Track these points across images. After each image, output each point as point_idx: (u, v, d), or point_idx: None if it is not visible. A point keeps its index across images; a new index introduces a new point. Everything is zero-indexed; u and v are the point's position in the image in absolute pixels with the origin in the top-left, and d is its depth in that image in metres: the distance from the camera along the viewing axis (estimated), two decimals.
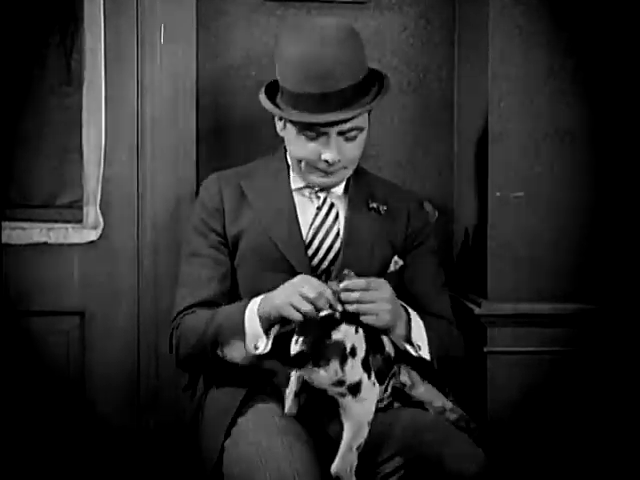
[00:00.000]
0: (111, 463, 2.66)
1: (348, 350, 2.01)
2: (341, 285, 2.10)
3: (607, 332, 2.51)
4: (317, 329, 2.02)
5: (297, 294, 2.09)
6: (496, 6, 2.49)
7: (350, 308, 2.08)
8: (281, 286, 2.15)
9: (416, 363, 2.23)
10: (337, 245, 2.29)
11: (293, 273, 2.21)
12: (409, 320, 2.21)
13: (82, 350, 2.65)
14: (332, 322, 2.03)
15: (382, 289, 2.13)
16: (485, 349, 2.50)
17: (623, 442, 2.52)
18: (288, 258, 2.26)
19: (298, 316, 2.08)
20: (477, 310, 2.51)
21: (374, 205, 2.35)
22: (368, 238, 2.31)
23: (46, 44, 2.63)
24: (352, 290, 2.09)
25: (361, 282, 2.10)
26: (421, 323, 2.23)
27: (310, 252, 2.28)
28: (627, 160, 2.54)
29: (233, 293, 2.30)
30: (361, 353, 2.03)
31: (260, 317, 2.16)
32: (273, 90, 2.32)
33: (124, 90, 2.64)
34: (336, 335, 2.02)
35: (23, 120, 2.64)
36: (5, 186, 2.62)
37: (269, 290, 2.19)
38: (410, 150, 2.80)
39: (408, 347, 2.19)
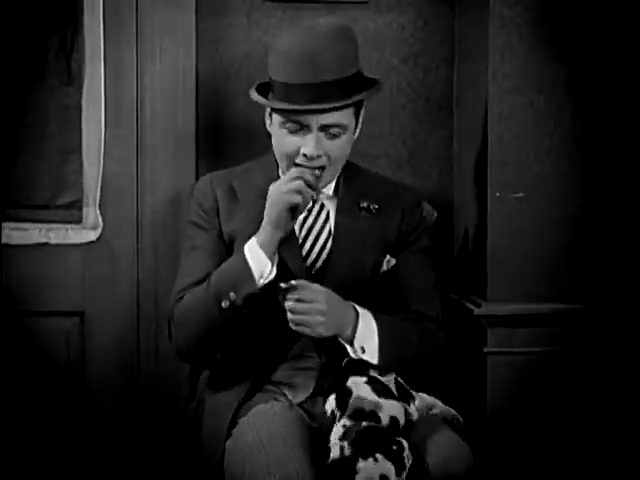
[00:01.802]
0: (111, 461, 2.67)
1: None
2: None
3: (607, 332, 2.51)
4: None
5: (282, 192, 2.13)
6: (496, 6, 2.49)
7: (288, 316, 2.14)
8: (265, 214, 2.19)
9: None
10: (330, 245, 2.29)
11: (287, 272, 2.22)
12: (357, 323, 2.20)
13: (82, 350, 2.66)
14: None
15: (318, 301, 2.13)
16: (485, 349, 2.50)
17: (623, 442, 2.52)
18: (283, 257, 2.23)
19: (298, 198, 2.14)
20: (477, 311, 2.51)
21: (365, 204, 2.33)
22: (359, 238, 2.30)
23: (46, 45, 2.63)
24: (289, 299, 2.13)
25: (294, 295, 2.13)
26: (374, 326, 2.20)
27: (304, 252, 2.28)
28: (626, 161, 2.53)
29: None
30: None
31: (262, 245, 2.18)
32: (267, 89, 2.30)
33: (124, 90, 2.64)
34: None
35: (23, 120, 2.63)
36: (5, 186, 2.62)
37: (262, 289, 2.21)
38: (410, 150, 2.79)
39: (349, 349, 2.18)
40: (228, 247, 2.30)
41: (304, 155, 2.20)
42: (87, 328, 2.66)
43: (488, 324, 2.49)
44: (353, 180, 2.36)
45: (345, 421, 2.02)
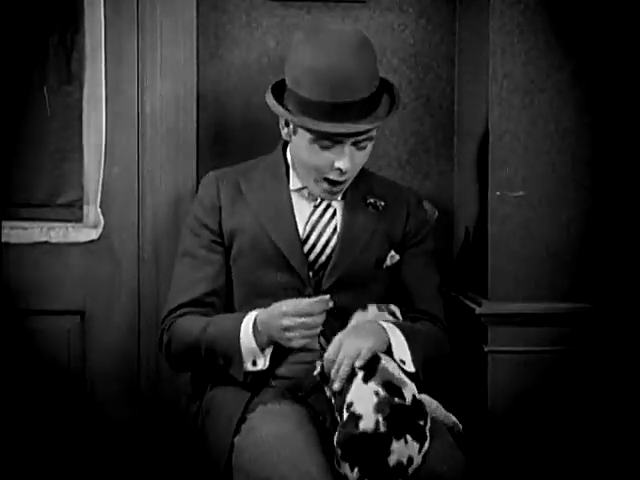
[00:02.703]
0: (112, 460, 2.67)
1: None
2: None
3: (608, 331, 2.51)
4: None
5: (285, 329, 2.14)
6: (496, 6, 2.49)
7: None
8: (272, 309, 2.18)
9: None
10: (334, 241, 2.31)
11: (290, 269, 2.26)
12: (388, 337, 2.20)
13: (82, 349, 2.66)
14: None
15: (344, 343, 2.11)
16: (486, 348, 2.50)
17: (623, 442, 2.52)
18: (285, 254, 2.27)
19: (300, 344, 2.16)
20: (478, 309, 2.50)
21: (372, 200, 2.36)
22: (365, 234, 2.32)
23: (46, 44, 2.63)
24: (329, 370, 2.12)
25: (328, 359, 2.11)
26: (402, 338, 2.21)
27: (306, 248, 2.30)
28: (627, 160, 2.54)
29: (229, 289, 2.32)
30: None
31: (256, 339, 2.20)
32: (277, 91, 2.31)
33: (125, 89, 2.64)
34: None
35: (23, 119, 2.63)
36: (5, 186, 2.61)
37: (264, 286, 2.27)
38: (410, 150, 2.80)
39: None
40: (227, 248, 2.33)
41: (338, 169, 2.23)
42: (88, 327, 2.66)
43: (489, 323, 2.49)
44: (359, 179, 2.37)
45: (377, 388, 2.02)
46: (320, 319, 2.14)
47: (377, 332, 2.17)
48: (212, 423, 2.24)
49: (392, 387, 2.03)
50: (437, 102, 2.80)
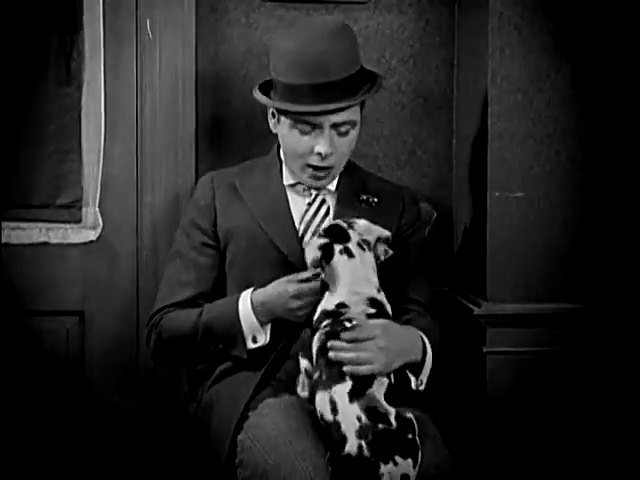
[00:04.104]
0: (112, 458, 2.68)
1: None
2: (334, 344, 2.08)
3: (607, 332, 2.51)
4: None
5: (291, 303, 2.19)
6: (495, 7, 2.49)
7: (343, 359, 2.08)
8: (273, 292, 2.22)
9: None
10: None
11: (287, 266, 2.26)
12: (424, 357, 2.22)
13: (82, 349, 2.66)
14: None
15: (381, 336, 2.09)
16: (484, 349, 2.50)
17: (622, 442, 2.52)
18: (282, 250, 2.29)
19: (304, 316, 2.19)
20: (476, 310, 2.51)
21: (364, 197, 2.38)
22: None
23: (46, 45, 2.62)
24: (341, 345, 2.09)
25: (349, 336, 2.09)
26: (430, 365, 2.23)
27: (304, 245, 2.30)
28: (624, 161, 2.54)
29: (218, 292, 2.34)
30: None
31: (256, 316, 2.23)
32: (267, 88, 2.35)
33: (124, 90, 2.65)
34: None
35: (23, 120, 2.63)
36: (5, 186, 2.62)
37: (262, 284, 2.26)
38: (409, 150, 2.80)
39: (412, 381, 2.19)
40: (223, 249, 2.35)
41: (318, 154, 2.25)
42: (87, 327, 2.66)
43: (488, 324, 2.49)
44: (353, 177, 2.40)
45: (359, 413, 2.02)
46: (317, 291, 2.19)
47: (408, 354, 2.17)
48: (212, 421, 2.24)
49: (376, 413, 2.02)
50: (436, 103, 2.80)
